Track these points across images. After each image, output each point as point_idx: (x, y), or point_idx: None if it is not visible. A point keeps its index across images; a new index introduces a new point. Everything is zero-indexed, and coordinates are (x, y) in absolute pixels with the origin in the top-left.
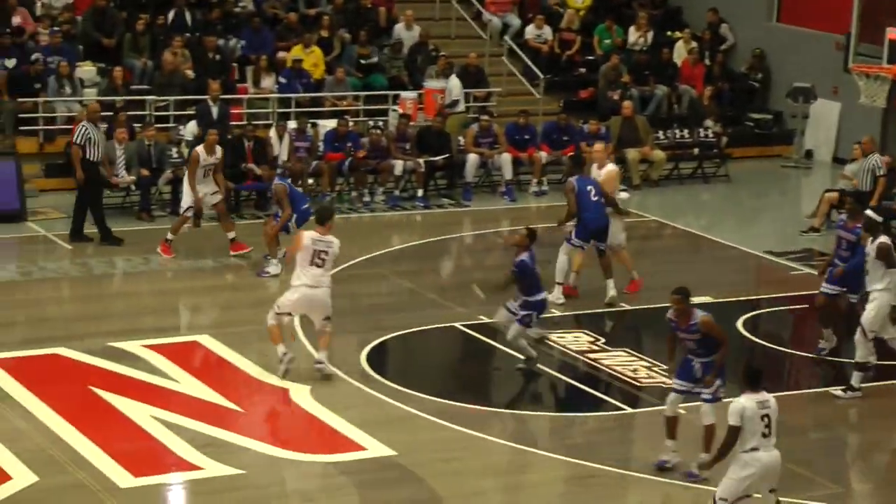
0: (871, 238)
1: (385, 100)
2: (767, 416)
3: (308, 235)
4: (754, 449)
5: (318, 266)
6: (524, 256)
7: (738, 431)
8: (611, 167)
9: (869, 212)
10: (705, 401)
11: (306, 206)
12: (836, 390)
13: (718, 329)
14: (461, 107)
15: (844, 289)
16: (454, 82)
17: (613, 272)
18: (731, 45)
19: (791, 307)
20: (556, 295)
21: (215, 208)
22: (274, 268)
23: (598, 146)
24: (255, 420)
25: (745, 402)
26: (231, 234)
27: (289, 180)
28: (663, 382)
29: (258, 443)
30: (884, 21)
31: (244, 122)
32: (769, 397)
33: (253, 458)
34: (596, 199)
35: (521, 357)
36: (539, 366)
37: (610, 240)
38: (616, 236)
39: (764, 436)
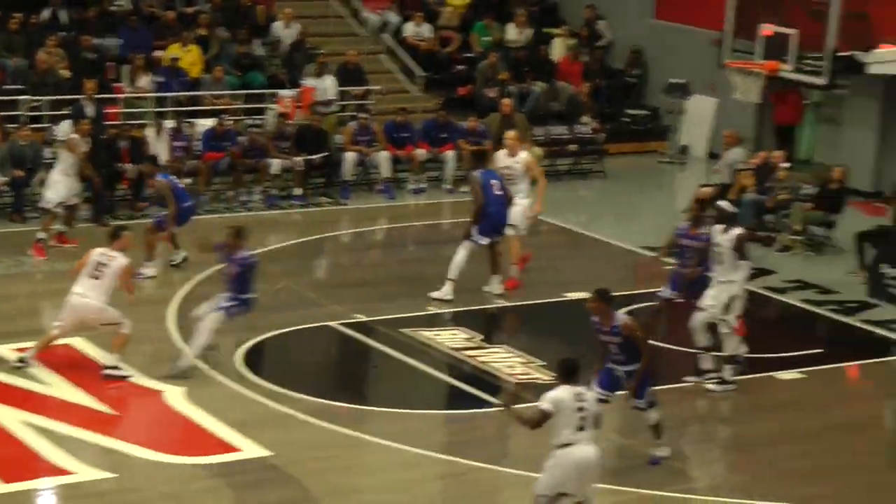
0: (724, 228)
1: (263, 98)
2: (584, 409)
3: (97, 251)
4: (567, 444)
5: (95, 278)
6: (246, 252)
7: (547, 417)
8: (524, 154)
9: (723, 203)
10: (642, 409)
11: (189, 203)
12: (710, 384)
13: (641, 336)
14: (335, 106)
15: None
16: (328, 82)
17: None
18: (608, 42)
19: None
20: (445, 291)
21: (71, 209)
22: (150, 270)
23: (511, 134)
24: (128, 423)
25: (561, 393)
26: (58, 228)
27: (173, 177)
28: (539, 378)
29: (131, 446)
30: (757, 17)
31: (120, 122)
32: (586, 391)
33: (125, 461)
34: (500, 193)
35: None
36: (418, 364)
37: (513, 220)
38: (520, 218)
39: (580, 429)
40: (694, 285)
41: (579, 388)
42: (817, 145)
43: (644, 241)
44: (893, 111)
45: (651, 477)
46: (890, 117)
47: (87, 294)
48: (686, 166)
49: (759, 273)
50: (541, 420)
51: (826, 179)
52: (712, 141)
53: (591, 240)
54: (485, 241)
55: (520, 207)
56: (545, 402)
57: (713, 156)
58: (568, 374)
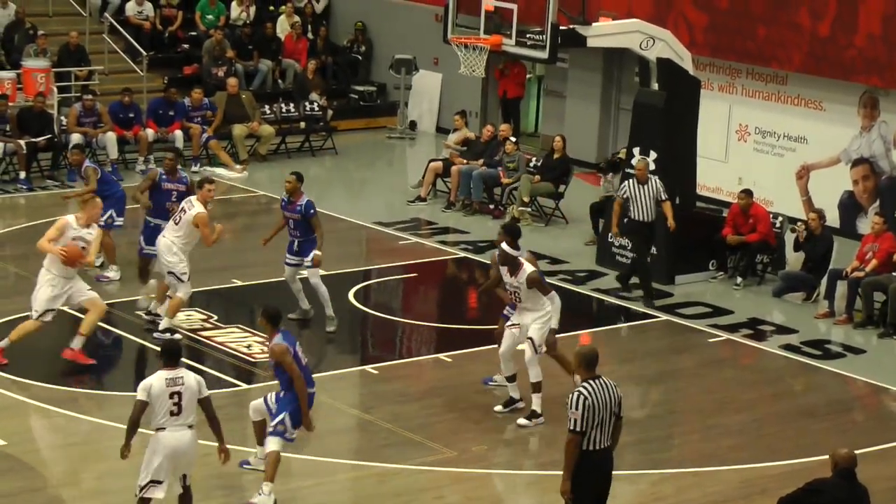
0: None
1: None
2: (178, 393)
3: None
4: (160, 429)
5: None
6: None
7: (143, 406)
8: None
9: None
10: (269, 433)
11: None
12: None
13: (290, 362)
14: None
15: None
16: None
17: None
18: (325, 7)
19: (401, 276)
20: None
21: None
22: (113, 273)
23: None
24: None
25: (153, 380)
26: None
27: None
28: None
29: None
30: None
31: None
32: (184, 375)
33: None
34: None
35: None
36: (150, 345)
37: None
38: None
39: (172, 414)
40: None
41: (177, 373)
42: (542, 118)
43: (375, 216)
44: (613, 83)
45: (394, 452)
46: (610, 89)
47: (165, 234)
48: (415, 141)
49: (489, 246)
50: (138, 411)
51: (549, 150)
52: (439, 116)
53: (322, 216)
54: None
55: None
56: (139, 392)
57: (440, 130)
58: (166, 357)
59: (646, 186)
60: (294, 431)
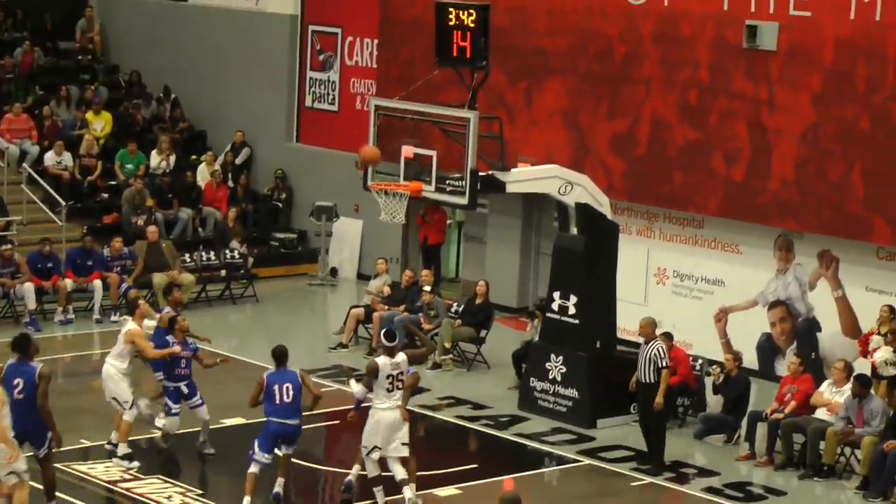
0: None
1: None
2: None
3: None
4: None
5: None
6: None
7: None
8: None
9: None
10: None
11: None
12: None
13: (253, 395)
14: None
15: None
16: None
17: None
18: (247, 157)
19: (323, 424)
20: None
21: None
22: None
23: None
24: None
25: None
26: None
27: None
28: None
29: None
30: (399, 140)
31: None
32: None
33: None
34: None
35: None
36: (74, 500)
37: None
38: None
39: None
40: None
41: None
42: (463, 263)
43: (297, 363)
44: (533, 228)
45: None
46: (530, 234)
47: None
48: (336, 288)
49: (414, 391)
50: None
51: (471, 295)
52: (360, 262)
53: (244, 364)
54: None
55: None
56: None
57: (361, 276)
58: None
59: (647, 347)
60: (263, 455)
